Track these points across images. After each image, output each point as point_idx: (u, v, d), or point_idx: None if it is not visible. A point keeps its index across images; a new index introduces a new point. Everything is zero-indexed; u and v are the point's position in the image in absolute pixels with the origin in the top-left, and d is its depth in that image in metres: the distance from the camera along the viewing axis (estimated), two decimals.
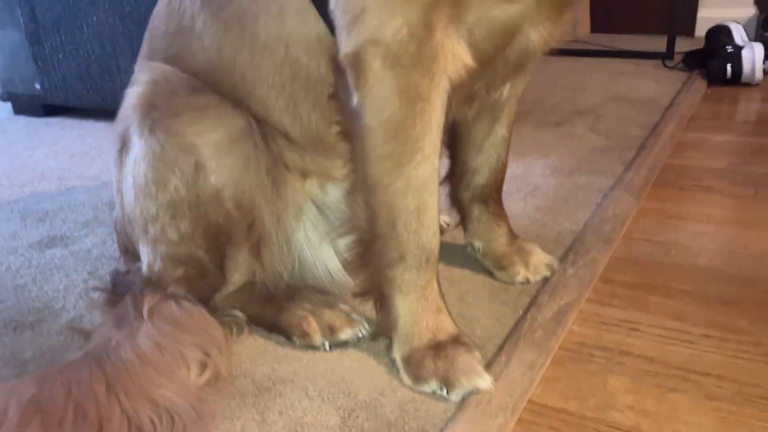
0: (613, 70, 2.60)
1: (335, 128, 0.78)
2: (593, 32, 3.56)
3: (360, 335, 0.84)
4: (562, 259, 1.02)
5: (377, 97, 0.69)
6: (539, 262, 0.98)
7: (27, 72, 2.16)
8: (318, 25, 0.75)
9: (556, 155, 1.56)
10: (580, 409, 0.71)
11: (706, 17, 3.21)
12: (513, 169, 1.35)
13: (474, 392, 0.71)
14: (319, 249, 0.90)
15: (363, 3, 0.66)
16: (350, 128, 0.74)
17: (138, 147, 0.82)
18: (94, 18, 1.92)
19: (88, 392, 0.68)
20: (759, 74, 2.22)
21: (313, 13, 0.75)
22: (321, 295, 0.90)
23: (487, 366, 0.76)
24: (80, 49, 1.99)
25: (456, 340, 0.76)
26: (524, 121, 1.84)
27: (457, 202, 1.03)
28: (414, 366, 0.75)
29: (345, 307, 0.87)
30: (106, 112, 1.83)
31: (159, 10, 0.91)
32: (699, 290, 0.95)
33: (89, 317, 0.92)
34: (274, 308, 0.87)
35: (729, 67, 2.23)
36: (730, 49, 2.25)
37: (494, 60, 0.77)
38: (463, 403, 0.71)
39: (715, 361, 0.78)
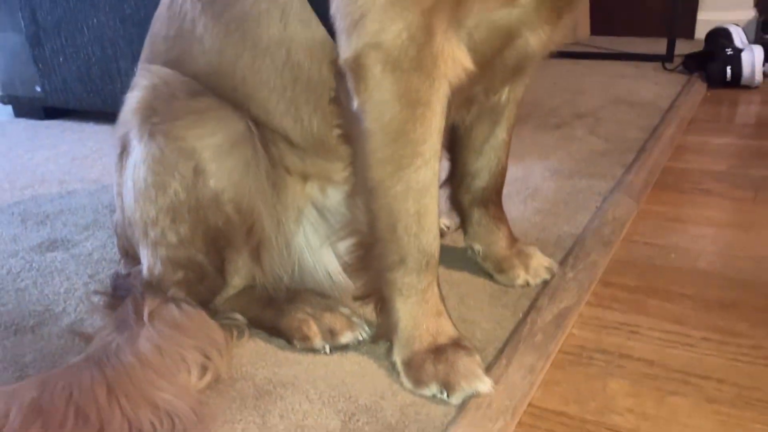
0: (613, 72, 2.60)
1: (336, 132, 0.79)
2: (593, 34, 3.56)
3: (360, 338, 0.84)
4: (562, 262, 1.02)
5: (377, 101, 0.69)
6: (539, 265, 0.98)
7: (27, 75, 2.16)
8: (319, 29, 0.75)
9: (556, 158, 1.56)
10: (580, 412, 0.71)
11: (706, 20, 3.21)
12: (513, 172, 1.35)
13: (474, 396, 0.72)
14: (319, 252, 0.90)
15: (363, 8, 0.66)
16: (351, 132, 0.75)
17: (138, 151, 0.82)
18: (95, 21, 1.93)
19: (88, 395, 0.68)
20: (759, 77, 2.22)
21: (314, 17, 0.75)
22: (321, 298, 0.90)
23: (488, 369, 0.76)
24: (81, 52, 2.00)
25: (456, 344, 0.77)
26: (524, 123, 1.84)
27: (457, 205, 1.03)
28: (414, 369, 0.75)
29: (345, 311, 0.87)
30: (107, 114, 1.83)
31: (160, 13, 0.91)
32: (699, 293, 0.95)
33: (90, 320, 0.93)
34: (274, 311, 0.87)
35: (729, 69, 2.23)
36: (729, 51, 2.25)
37: (493, 64, 0.77)
38: (463, 406, 0.71)
39: (715, 364, 0.78)
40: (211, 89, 0.85)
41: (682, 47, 2.71)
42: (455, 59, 0.69)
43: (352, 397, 0.74)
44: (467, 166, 0.99)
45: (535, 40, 0.76)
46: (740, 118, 2.00)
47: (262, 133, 0.85)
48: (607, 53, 2.97)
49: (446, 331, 0.78)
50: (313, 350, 0.83)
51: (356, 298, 0.83)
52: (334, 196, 0.89)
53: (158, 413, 0.68)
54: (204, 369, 0.77)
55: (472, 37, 0.71)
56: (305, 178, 0.89)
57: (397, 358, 0.78)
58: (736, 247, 1.09)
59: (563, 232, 1.15)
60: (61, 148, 1.91)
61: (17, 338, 0.89)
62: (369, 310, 0.84)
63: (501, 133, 0.96)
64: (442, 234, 1.07)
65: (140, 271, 0.88)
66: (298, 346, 0.83)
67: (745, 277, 0.99)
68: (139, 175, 0.82)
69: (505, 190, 1.02)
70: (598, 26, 3.55)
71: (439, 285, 0.80)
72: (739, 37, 2.34)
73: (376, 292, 0.79)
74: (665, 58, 2.64)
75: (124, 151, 0.86)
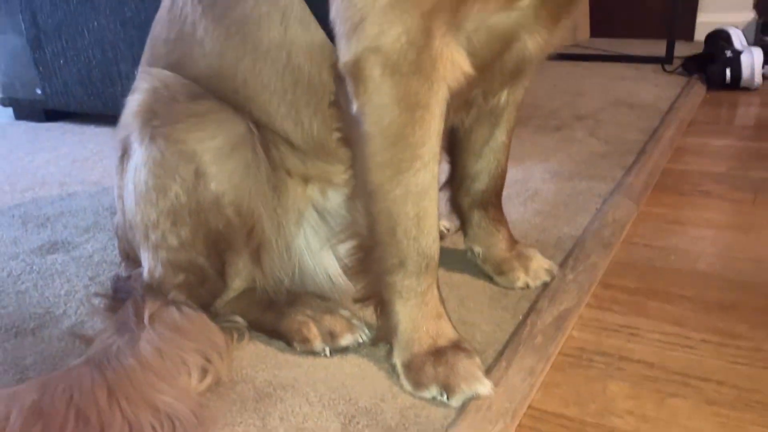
0: (613, 74, 2.61)
1: (336, 135, 0.79)
2: (593, 36, 3.56)
3: (360, 341, 0.84)
4: (562, 264, 1.02)
5: (376, 105, 0.69)
6: (539, 267, 0.98)
7: (28, 77, 2.16)
8: (319, 32, 0.76)
9: (556, 160, 1.57)
10: (580, 414, 0.71)
11: (706, 22, 3.22)
12: (513, 174, 1.35)
13: (474, 398, 0.72)
14: (319, 255, 0.90)
15: (362, 11, 0.66)
16: (350, 135, 0.75)
17: (139, 154, 0.83)
18: (95, 23, 1.93)
19: (89, 398, 0.68)
20: (758, 79, 2.23)
21: (314, 20, 0.75)
22: (321, 300, 0.90)
23: (487, 371, 0.76)
24: (81, 55, 2.00)
25: (456, 346, 0.77)
26: (524, 125, 1.85)
27: (457, 207, 1.03)
28: (414, 372, 0.75)
29: (345, 313, 0.87)
30: (107, 117, 1.83)
31: (161, 16, 0.92)
32: (699, 295, 0.95)
33: (90, 323, 0.93)
34: (274, 314, 0.87)
35: (728, 71, 2.24)
36: (729, 53, 2.25)
37: (492, 67, 0.77)
38: (463, 408, 0.71)
39: (715, 366, 0.79)
40: (212, 92, 0.85)
41: (682, 49, 2.72)
42: (454, 63, 0.69)
43: (352, 399, 0.74)
44: (467, 169, 0.99)
45: (534, 43, 0.76)
46: (740, 120, 2.00)
47: (263, 135, 0.85)
48: (606, 55, 2.98)
49: (446, 333, 0.78)
50: (313, 353, 0.83)
51: (356, 301, 0.83)
52: (335, 199, 0.89)
53: (159, 416, 0.68)
54: (204, 372, 0.77)
55: (471, 40, 0.71)
56: (306, 180, 0.89)
57: (397, 360, 0.78)
58: (735, 249, 1.09)
59: (563, 234, 1.15)
60: (61, 150, 1.91)
61: (18, 341, 0.89)
62: (369, 313, 0.84)
63: (500, 136, 0.96)
64: (441, 236, 1.07)
65: (141, 274, 0.88)
66: (298, 349, 0.84)
67: (744, 279, 0.99)
68: (140, 178, 0.83)
69: (505, 192, 1.02)
70: (597, 28, 3.56)
71: (438, 287, 0.80)
72: (738, 39, 2.35)
73: (376, 295, 0.79)
74: (665, 60, 2.64)
75: (124, 154, 0.86)
